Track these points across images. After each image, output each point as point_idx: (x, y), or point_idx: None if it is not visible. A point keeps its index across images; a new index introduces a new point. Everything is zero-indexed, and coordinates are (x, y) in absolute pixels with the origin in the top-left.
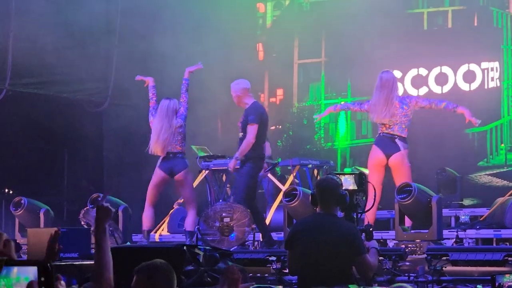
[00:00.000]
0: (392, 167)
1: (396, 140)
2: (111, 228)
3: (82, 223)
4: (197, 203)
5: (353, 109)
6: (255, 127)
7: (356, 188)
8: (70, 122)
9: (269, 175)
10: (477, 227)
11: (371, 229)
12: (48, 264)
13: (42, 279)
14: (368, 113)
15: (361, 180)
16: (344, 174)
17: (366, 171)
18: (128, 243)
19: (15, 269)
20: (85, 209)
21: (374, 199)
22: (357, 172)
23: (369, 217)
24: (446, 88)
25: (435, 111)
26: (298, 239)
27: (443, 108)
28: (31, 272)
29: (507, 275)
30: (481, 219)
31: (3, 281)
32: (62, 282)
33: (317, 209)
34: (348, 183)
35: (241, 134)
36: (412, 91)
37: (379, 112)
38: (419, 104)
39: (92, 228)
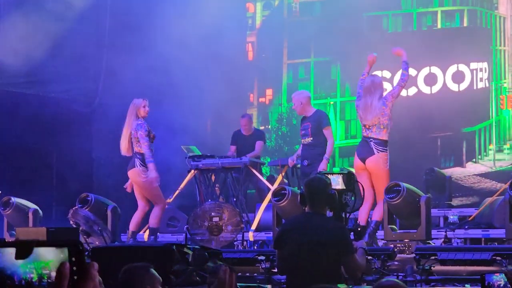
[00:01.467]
0: (369, 171)
1: (371, 144)
2: (99, 228)
3: (71, 222)
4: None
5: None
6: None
7: (345, 187)
8: (59, 121)
9: (257, 173)
10: (466, 227)
11: (359, 229)
12: (78, 243)
13: (73, 259)
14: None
15: (350, 179)
16: (332, 173)
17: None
18: (117, 243)
19: (41, 251)
20: (73, 208)
21: (362, 198)
22: (346, 172)
23: (361, 217)
24: (435, 88)
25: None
26: (287, 239)
27: (406, 75)
28: (54, 253)
29: (496, 275)
30: (470, 219)
31: (33, 265)
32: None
33: (306, 208)
34: (337, 182)
35: (310, 140)
36: (402, 92)
37: (370, 116)
38: (394, 95)
39: (81, 228)
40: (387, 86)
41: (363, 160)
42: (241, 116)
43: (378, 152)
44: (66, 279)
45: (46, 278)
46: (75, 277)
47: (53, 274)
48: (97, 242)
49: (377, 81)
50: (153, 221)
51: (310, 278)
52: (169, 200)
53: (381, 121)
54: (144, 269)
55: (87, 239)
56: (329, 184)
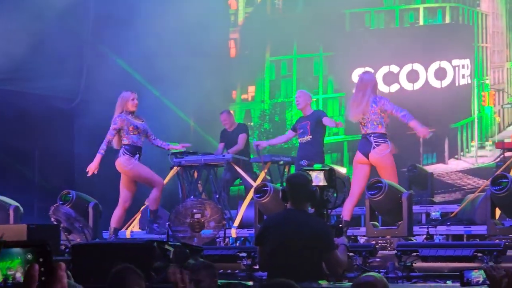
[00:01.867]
0: (374, 165)
1: (370, 138)
2: (81, 225)
3: (52, 219)
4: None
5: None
6: None
7: (326, 184)
8: (41, 118)
9: (240, 170)
10: (448, 223)
11: (340, 226)
12: (46, 244)
13: (41, 259)
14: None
15: (331, 176)
16: (314, 170)
17: (337, 167)
18: (98, 240)
19: (6, 251)
20: (55, 205)
21: (348, 191)
22: (327, 168)
23: (344, 211)
24: (417, 85)
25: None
26: (268, 235)
27: (400, 117)
28: (20, 254)
29: (475, 271)
30: (452, 215)
31: None
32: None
33: (288, 205)
34: (318, 179)
35: (309, 138)
36: (384, 88)
37: (353, 111)
38: (384, 107)
39: (62, 225)
40: None
41: (366, 155)
42: (220, 113)
43: (378, 145)
44: (35, 282)
45: (11, 279)
46: (43, 278)
47: (18, 275)
48: (78, 239)
49: (365, 78)
50: (152, 203)
51: (292, 274)
52: None
53: (373, 118)
54: (134, 272)
55: (68, 236)
56: (310, 180)
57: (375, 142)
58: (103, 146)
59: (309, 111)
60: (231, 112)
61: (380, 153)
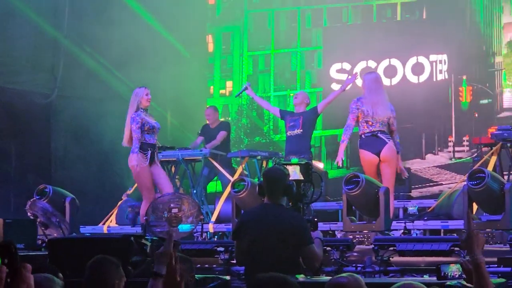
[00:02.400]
0: (384, 161)
1: (380, 135)
2: (57, 219)
3: (29, 214)
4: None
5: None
6: None
7: (303, 178)
8: (17, 113)
9: (217, 165)
10: (425, 218)
11: (316, 219)
12: (11, 244)
13: (6, 261)
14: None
15: (308, 170)
16: (290, 164)
17: (315, 162)
18: (75, 234)
19: None
20: (31, 200)
21: (322, 189)
22: (304, 163)
23: None
24: (395, 80)
25: None
26: (245, 230)
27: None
28: None
29: (451, 265)
30: (429, 210)
31: None
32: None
33: (265, 199)
34: (295, 173)
35: (299, 131)
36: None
37: (383, 111)
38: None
39: (38, 220)
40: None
41: (378, 154)
42: (206, 108)
43: (389, 140)
44: (2, 283)
45: None
46: (8, 280)
47: None
48: (55, 234)
49: (379, 77)
50: (142, 216)
51: (269, 269)
52: (129, 192)
53: (384, 121)
54: (113, 264)
55: (45, 231)
56: (287, 174)
57: (386, 138)
58: (137, 145)
59: (302, 109)
60: (217, 109)
61: (391, 149)
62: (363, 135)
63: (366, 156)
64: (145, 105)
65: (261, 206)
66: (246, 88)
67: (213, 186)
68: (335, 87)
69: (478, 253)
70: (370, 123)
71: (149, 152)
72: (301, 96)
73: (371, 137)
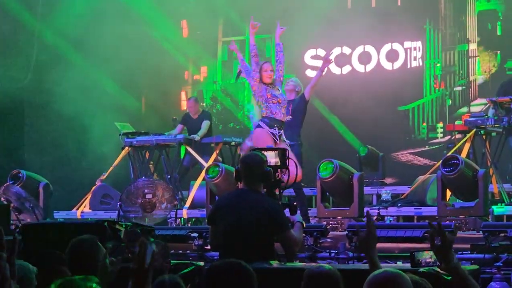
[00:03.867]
0: None
1: None
2: (31, 205)
3: (2, 199)
4: None
5: None
6: None
7: (279, 164)
8: None
9: (191, 151)
10: (399, 204)
11: (295, 204)
12: None
13: None
14: None
15: (284, 156)
16: (266, 150)
17: None
18: (48, 219)
19: None
20: (5, 185)
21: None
22: (280, 149)
23: None
24: (369, 67)
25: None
26: (220, 215)
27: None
28: None
29: (425, 252)
30: (403, 197)
31: None
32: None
33: (241, 185)
34: (271, 159)
35: (289, 117)
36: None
37: None
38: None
39: (12, 205)
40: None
41: None
42: (187, 99)
43: None
44: None
45: None
46: None
47: None
48: (28, 219)
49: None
50: None
51: (243, 255)
52: (103, 177)
53: None
54: (93, 242)
55: (18, 216)
56: (265, 161)
57: None
58: None
59: (293, 96)
60: (197, 99)
61: None
62: None
63: None
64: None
65: (237, 191)
66: (240, 72)
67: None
68: (310, 73)
69: (451, 258)
70: None
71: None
72: (293, 84)
73: None
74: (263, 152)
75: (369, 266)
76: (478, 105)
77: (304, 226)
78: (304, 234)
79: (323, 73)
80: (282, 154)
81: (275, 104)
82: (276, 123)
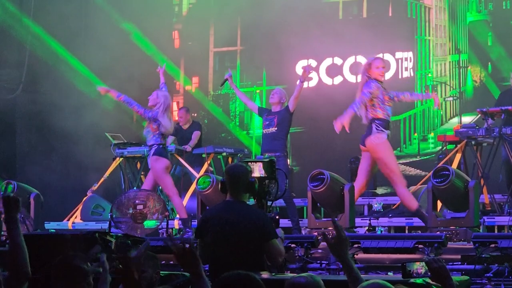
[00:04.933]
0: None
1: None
2: (22, 216)
3: None
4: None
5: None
6: None
7: (266, 175)
8: None
9: (183, 161)
10: (390, 215)
11: (277, 217)
12: None
13: None
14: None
15: (271, 167)
16: (255, 161)
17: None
18: (39, 231)
19: None
20: None
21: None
22: (267, 159)
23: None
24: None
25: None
26: (208, 227)
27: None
28: None
29: (417, 263)
30: (394, 207)
31: None
32: None
33: (227, 196)
34: (258, 170)
35: (274, 129)
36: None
37: None
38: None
39: (2, 216)
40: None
41: (363, 143)
42: (178, 109)
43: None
44: None
45: None
46: None
47: None
48: None
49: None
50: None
51: (232, 266)
52: (94, 188)
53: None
54: (83, 259)
55: None
56: (249, 171)
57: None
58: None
59: (279, 108)
60: (188, 110)
61: (372, 141)
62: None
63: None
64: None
65: (223, 203)
66: (226, 80)
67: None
68: None
69: (343, 255)
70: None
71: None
72: (278, 96)
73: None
74: (248, 163)
75: (344, 271)
76: (469, 116)
77: (283, 241)
78: (294, 245)
79: (302, 85)
80: (269, 165)
81: (390, 107)
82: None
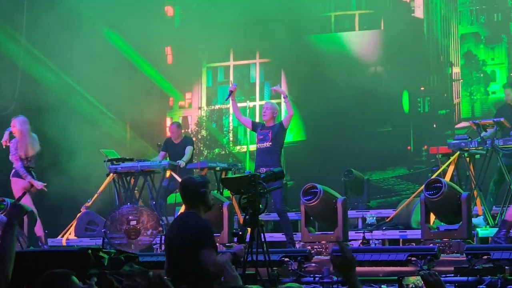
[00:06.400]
0: None
1: None
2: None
3: None
4: None
5: None
6: None
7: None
8: None
9: (176, 176)
10: (383, 228)
11: (240, 233)
12: None
13: None
14: None
15: (250, 182)
16: (234, 178)
17: None
18: (32, 248)
19: None
20: None
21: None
22: (246, 175)
23: None
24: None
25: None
26: (165, 241)
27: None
28: None
29: (412, 277)
30: (387, 220)
31: None
32: None
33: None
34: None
35: (268, 144)
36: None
37: None
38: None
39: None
40: None
41: None
42: (170, 124)
43: None
44: None
45: None
46: None
47: None
48: None
49: None
50: None
51: (185, 278)
52: (88, 204)
53: None
54: (64, 277)
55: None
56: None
57: None
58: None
59: (272, 123)
60: (180, 125)
61: None
62: None
63: None
64: None
65: (179, 215)
66: (232, 92)
67: (173, 197)
68: None
69: (351, 277)
70: None
71: None
72: (270, 112)
73: None
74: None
75: None
76: (462, 128)
77: (231, 259)
78: (288, 259)
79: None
80: (249, 180)
81: None
82: None
